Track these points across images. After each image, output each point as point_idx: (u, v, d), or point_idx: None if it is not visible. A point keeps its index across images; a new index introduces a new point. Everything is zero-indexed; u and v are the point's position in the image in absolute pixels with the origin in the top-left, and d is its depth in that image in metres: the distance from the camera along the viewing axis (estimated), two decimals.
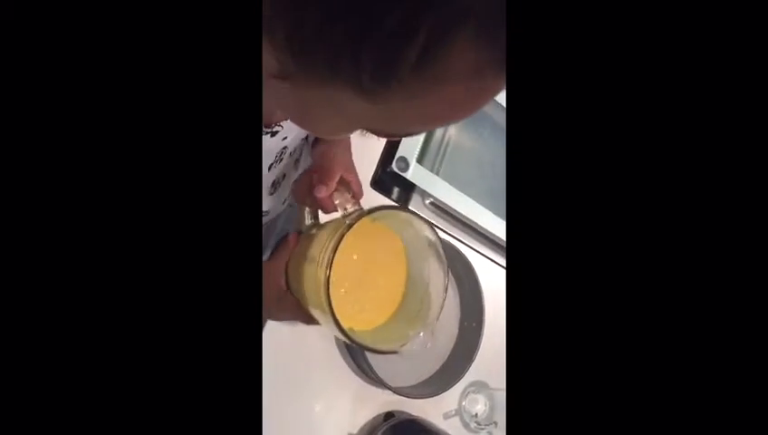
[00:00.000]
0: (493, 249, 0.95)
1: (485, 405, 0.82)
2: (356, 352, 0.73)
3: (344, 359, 0.75)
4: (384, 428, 0.70)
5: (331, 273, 0.45)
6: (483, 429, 0.80)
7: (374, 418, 0.74)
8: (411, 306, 0.56)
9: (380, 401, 0.76)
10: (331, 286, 0.45)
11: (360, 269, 0.53)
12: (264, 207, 0.61)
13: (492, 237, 0.93)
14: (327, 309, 0.45)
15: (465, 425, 0.82)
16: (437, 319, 0.53)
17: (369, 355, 0.70)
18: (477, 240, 0.93)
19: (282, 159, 0.56)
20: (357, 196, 0.54)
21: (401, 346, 0.51)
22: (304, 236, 0.56)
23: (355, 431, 0.73)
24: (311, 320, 0.57)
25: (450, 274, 0.87)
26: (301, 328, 0.72)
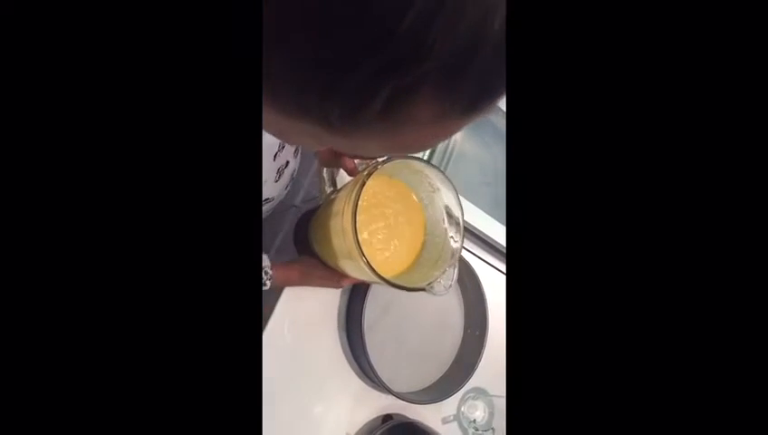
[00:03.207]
0: (496, 257, 0.96)
1: (485, 411, 0.82)
2: (359, 355, 0.74)
3: (347, 361, 0.76)
4: (382, 430, 0.71)
5: (358, 211, 0.49)
6: (479, 433, 0.81)
7: (373, 420, 0.75)
8: (432, 253, 0.61)
9: (380, 404, 0.77)
10: (357, 228, 0.50)
11: (381, 220, 0.59)
12: (268, 195, 0.63)
13: (496, 245, 0.94)
14: (356, 250, 0.49)
15: (464, 431, 0.83)
16: (458, 259, 0.58)
17: (372, 358, 0.71)
18: (482, 248, 0.94)
19: (284, 147, 0.59)
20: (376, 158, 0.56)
21: (428, 284, 0.56)
22: (324, 202, 0.63)
23: (353, 433, 0.74)
24: (339, 281, 0.67)
25: (456, 282, 0.88)
26: (303, 330, 0.73)
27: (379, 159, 0.54)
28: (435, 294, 0.56)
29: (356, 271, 0.57)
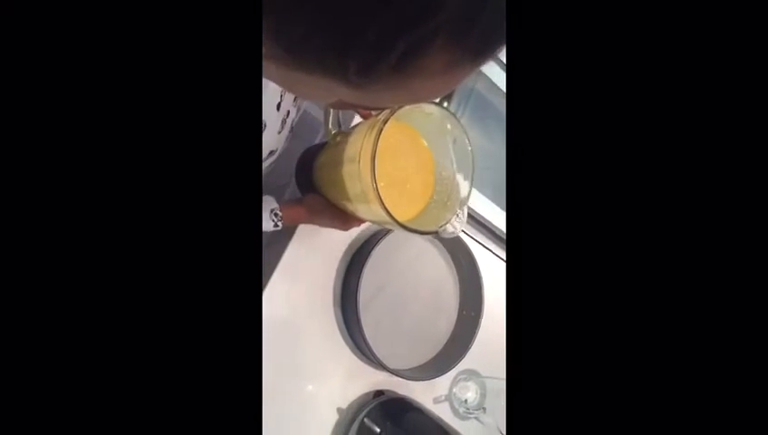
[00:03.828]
0: (494, 241, 0.96)
1: (476, 393, 0.83)
2: (354, 331, 0.75)
3: (341, 337, 0.77)
4: (373, 404, 0.71)
5: (377, 155, 0.50)
6: (471, 414, 0.82)
7: (364, 395, 0.76)
8: (441, 196, 0.62)
9: (372, 380, 0.78)
10: (377, 175, 0.51)
11: (393, 165, 0.60)
12: (273, 147, 0.64)
13: (494, 229, 0.94)
14: (375, 197, 0.51)
15: (455, 411, 0.83)
16: (467, 202, 0.60)
17: (367, 335, 0.71)
18: (480, 232, 0.94)
19: (284, 95, 0.59)
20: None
21: (440, 227, 0.57)
22: (331, 144, 0.64)
23: (344, 407, 0.75)
24: (347, 222, 0.67)
25: (453, 263, 0.88)
26: (297, 304, 0.74)
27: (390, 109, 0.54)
28: (446, 237, 0.58)
29: (369, 214, 0.59)
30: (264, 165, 0.67)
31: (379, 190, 0.52)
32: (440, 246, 0.88)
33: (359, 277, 0.72)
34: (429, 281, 0.86)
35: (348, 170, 0.58)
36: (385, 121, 0.52)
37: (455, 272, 0.89)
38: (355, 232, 0.80)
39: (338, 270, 0.78)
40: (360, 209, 0.61)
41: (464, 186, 0.61)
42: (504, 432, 0.76)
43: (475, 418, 0.82)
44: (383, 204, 0.53)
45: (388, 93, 0.27)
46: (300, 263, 0.74)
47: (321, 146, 0.72)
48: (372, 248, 0.75)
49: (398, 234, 0.81)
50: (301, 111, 0.73)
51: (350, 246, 0.79)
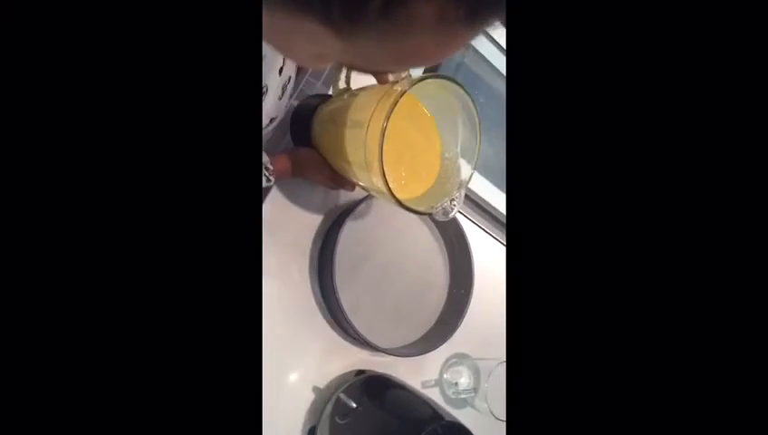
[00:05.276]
0: (485, 218, 0.90)
1: (469, 378, 0.76)
2: (331, 303, 0.69)
3: (318, 310, 0.70)
4: (354, 380, 0.64)
5: (388, 126, 0.48)
6: (462, 395, 0.75)
7: (344, 374, 0.69)
8: (442, 178, 0.60)
9: (353, 359, 0.71)
10: (385, 149, 0.49)
11: (400, 142, 0.57)
12: (273, 114, 0.61)
13: (484, 206, 0.89)
14: (378, 170, 0.49)
15: (445, 396, 0.76)
16: (467, 185, 0.57)
17: (345, 307, 0.65)
18: (472, 209, 0.89)
19: (286, 60, 0.56)
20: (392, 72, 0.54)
21: (435, 209, 0.56)
22: (337, 99, 0.61)
23: (322, 386, 0.67)
24: (338, 183, 0.66)
25: (441, 237, 0.83)
26: (270, 273, 0.68)
27: (411, 76, 0.52)
28: (439, 219, 0.56)
29: (367, 182, 0.56)
30: (264, 132, 0.63)
31: (385, 166, 0.49)
32: (426, 218, 0.82)
33: (335, 243, 0.66)
34: (416, 255, 0.80)
35: (353, 134, 0.55)
36: (402, 93, 0.49)
37: (443, 247, 0.83)
38: (337, 196, 0.74)
39: (316, 234, 0.72)
40: (358, 175, 0.58)
41: (465, 169, 0.59)
42: (498, 415, 0.69)
43: (465, 400, 0.75)
44: (386, 180, 0.50)
45: (379, 49, 0.25)
46: (275, 226, 0.68)
47: (324, 98, 0.67)
48: (352, 213, 0.69)
49: (381, 201, 0.76)
50: (303, 83, 0.70)
51: (332, 210, 0.73)
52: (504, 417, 0.68)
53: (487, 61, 0.95)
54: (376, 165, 0.50)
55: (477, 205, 0.89)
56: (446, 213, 0.56)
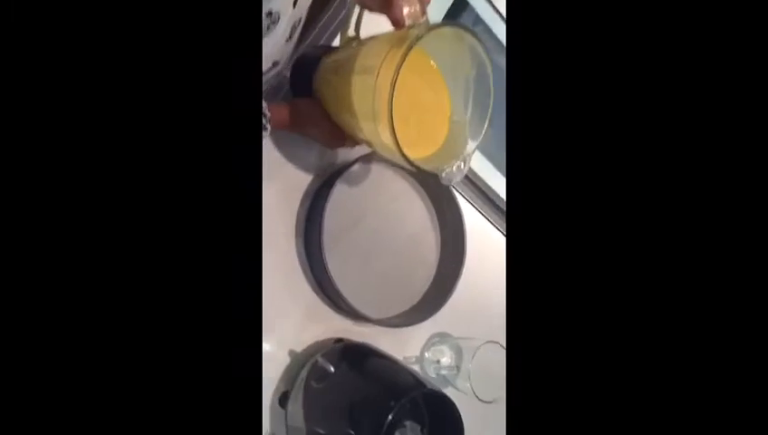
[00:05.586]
0: (483, 201, 0.87)
1: (450, 358, 0.73)
2: (317, 266, 0.66)
3: (302, 271, 0.67)
4: (334, 346, 0.61)
5: (402, 68, 0.45)
6: (442, 372, 0.72)
7: (322, 341, 0.66)
8: (453, 143, 0.57)
9: (332, 326, 0.68)
10: (395, 93, 0.45)
11: (409, 98, 0.53)
12: (277, 57, 0.57)
13: (484, 189, 0.86)
14: (386, 115, 0.46)
15: (424, 372, 0.74)
16: (473, 152, 0.55)
17: (336, 280, 0.63)
18: (472, 191, 0.86)
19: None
20: (424, 12, 0.50)
21: (441, 170, 0.53)
22: (345, 48, 0.59)
23: (299, 350, 0.64)
24: (338, 139, 0.62)
25: (437, 216, 0.80)
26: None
27: (429, 23, 0.49)
28: (443, 181, 0.53)
29: (371, 135, 0.53)
30: (264, 78, 0.60)
31: (394, 114, 0.46)
32: (423, 192, 0.79)
33: (324, 203, 0.63)
34: (408, 227, 0.77)
35: (362, 81, 0.52)
36: (418, 38, 0.46)
37: (437, 222, 0.80)
38: (331, 155, 0.71)
39: (305, 194, 0.68)
40: (363, 127, 0.55)
41: (474, 133, 0.55)
42: (481, 396, 0.66)
43: (446, 379, 0.72)
44: (393, 129, 0.47)
45: None
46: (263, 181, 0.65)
47: (328, 49, 0.64)
48: (345, 172, 0.66)
49: (377, 167, 0.73)
50: (311, 37, 0.67)
51: (323, 169, 0.70)
52: (486, 398, 0.65)
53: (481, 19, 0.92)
54: (383, 113, 0.47)
55: (477, 187, 0.86)
56: (451, 176, 0.53)
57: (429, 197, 0.79)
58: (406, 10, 0.49)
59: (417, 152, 0.56)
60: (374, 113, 0.49)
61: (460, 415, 0.51)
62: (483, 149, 0.86)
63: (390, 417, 0.46)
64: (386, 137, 0.49)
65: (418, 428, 0.51)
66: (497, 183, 0.87)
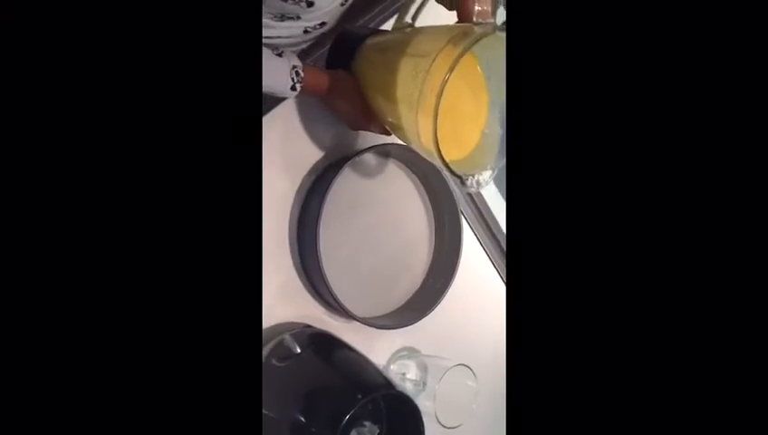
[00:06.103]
0: (483, 228, 0.85)
1: (416, 375, 0.70)
2: (308, 254, 0.63)
3: (288, 250, 0.64)
4: (304, 329, 0.58)
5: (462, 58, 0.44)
6: (407, 386, 0.68)
7: (294, 322, 0.62)
8: (478, 155, 0.55)
9: (305, 312, 0.65)
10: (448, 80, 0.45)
11: (453, 100, 0.51)
12: (327, 18, 0.57)
13: (486, 216, 0.84)
14: (433, 104, 0.45)
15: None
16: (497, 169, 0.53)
17: (326, 270, 0.60)
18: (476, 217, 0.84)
19: None
20: (493, 12, 0.51)
21: (467, 176, 0.51)
22: (396, 32, 0.58)
23: (266, 325, 0.60)
24: (364, 121, 0.61)
25: (435, 228, 0.77)
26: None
27: (496, 25, 0.49)
28: (467, 187, 0.51)
29: (406, 122, 0.52)
30: (310, 36, 0.59)
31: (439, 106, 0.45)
32: (426, 198, 0.76)
33: (328, 186, 0.60)
34: (404, 230, 0.74)
35: (412, 65, 0.50)
36: (485, 35, 0.46)
37: (433, 234, 0.77)
38: (345, 137, 0.68)
39: (310, 170, 0.65)
40: (400, 113, 0.53)
41: (504, 151, 0.54)
42: (443, 421, 0.63)
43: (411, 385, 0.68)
44: (436, 118, 0.45)
45: None
46: (269, 149, 0.62)
47: (375, 31, 0.63)
48: (354, 158, 0.63)
49: (388, 162, 0.71)
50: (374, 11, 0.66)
51: (332, 151, 0.67)
52: (448, 423, 0.62)
53: None
54: (430, 101, 0.46)
55: (482, 216, 0.84)
56: (471, 186, 0.52)
57: (432, 204, 0.77)
58: (477, 8, 0.50)
59: (447, 153, 0.54)
60: (417, 100, 0.48)
61: (423, 424, 0.47)
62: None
63: (353, 411, 0.43)
64: (423, 126, 0.48)
65: (377, 430, 0.48)
66: (498, 205, 0.85)
